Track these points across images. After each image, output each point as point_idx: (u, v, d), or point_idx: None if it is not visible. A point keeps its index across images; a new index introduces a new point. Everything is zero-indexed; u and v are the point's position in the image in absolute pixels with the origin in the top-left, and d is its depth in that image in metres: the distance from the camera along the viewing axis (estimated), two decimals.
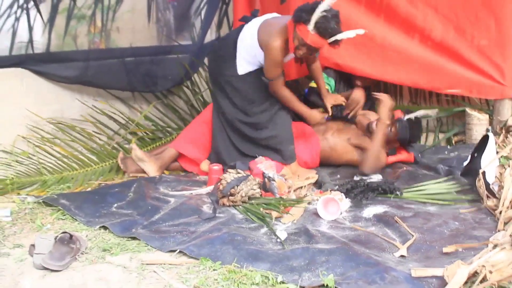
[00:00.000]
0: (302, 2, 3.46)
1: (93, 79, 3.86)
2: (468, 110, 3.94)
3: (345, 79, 4.27)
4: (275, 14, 3.61)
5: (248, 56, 3.53)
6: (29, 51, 3.63)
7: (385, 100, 3.68)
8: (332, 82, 4.22)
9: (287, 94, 3.59)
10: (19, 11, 3.58)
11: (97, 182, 3.69)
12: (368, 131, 3.79)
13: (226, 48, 3.61)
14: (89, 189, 3.58)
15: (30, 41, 3.61)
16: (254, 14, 3.71)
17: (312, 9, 3.16)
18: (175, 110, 4.59)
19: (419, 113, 3.70)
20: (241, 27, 3.62)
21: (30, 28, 3.59)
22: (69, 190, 3.53)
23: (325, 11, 3.14)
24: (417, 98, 4.38)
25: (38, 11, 3.59)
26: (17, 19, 3.58)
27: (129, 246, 2.73)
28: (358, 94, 3.89)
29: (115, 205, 3.24)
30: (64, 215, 3.11)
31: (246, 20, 3.65)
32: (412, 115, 3.69)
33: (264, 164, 3.23)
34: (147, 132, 4.37)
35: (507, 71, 3.78)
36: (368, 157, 3.59)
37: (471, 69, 3.87)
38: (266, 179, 3.19)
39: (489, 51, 3.81)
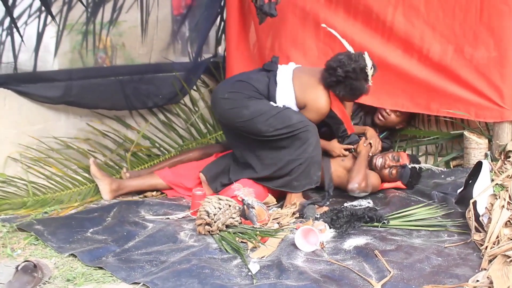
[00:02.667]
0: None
1: (76, 98, 3.80)
2: (466, 133, 3.75)
3: (366, 112, 4.16)
4: (293, 65, 3.61)
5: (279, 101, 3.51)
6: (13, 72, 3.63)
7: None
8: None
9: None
10: (4, 34, 3.59)
11: (80, 203, 3.61)
12: (369, 164, 3.73)
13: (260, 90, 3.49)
14: (74, 210, 3.51)
15: (15, 62, 3.60)
16: (275, 62, 3.61)
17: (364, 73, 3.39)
18: (174, 128, 4.51)
19: (424, 165, 3.73)
20: (267, 73, 3.55)
21: (14, 50, 3.59)
22: (52, 213, 3.45)
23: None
24: (415, 121, 4.20)
25: (21, 37, 3.57)
26: (2, 43, 3.59)
27: (94, 276, 2.64)
28: (373, 133, 3.86)
29: (91, 230, 3.15)
30: (37, 240, 3.03)
31: (270, 67, 3.57)
32: (416, 165, 3.67)
33: (243, 191, 3.10)
34: (143, 149, 4.29)
35: (506, 93, 3.58)
36: (355, 174, 3.56)
37: (469, 90, 3.70)
38: (245, 206, 3.07)
39: (487, 72, 3.62)
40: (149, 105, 4.32)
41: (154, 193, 3.78)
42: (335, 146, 3.75)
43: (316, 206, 3.39)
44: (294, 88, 3.45)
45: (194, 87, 4.62)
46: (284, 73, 3.50)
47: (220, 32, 4.82)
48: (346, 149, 3.75)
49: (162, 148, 4.37)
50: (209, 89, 4.73)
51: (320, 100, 3.43)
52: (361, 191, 3.51)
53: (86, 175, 3.79)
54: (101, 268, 2.69)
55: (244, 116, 3.39)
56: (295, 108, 3.47)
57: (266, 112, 3.38)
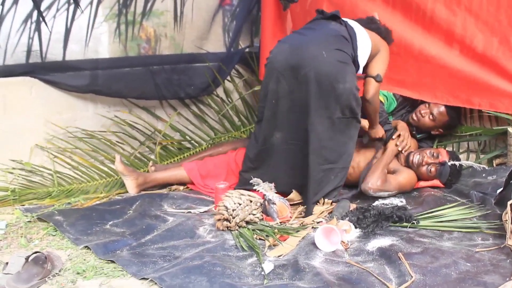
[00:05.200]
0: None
1: (103, 87, 3.78)
2: (510, 130, 3.49)
3: (408, 111, 3.99)
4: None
5: (361, 60, 3.29)
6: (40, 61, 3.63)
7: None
8: (393, 104, 3.92)
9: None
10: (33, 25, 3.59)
11: (105, 195, 3.57)
12: (406, 161, 3.56)
13: (346, 48, 3.17)
14: (97, 202, 3.47)
15: (40, 52, 3.59)
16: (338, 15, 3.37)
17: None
18: (205, 120, 4.43)
19: (464, 162, 3.51)
20: (337, 24, 3.27)
21: (41, 42, 3.59)
22: (76, 203, 3.43)
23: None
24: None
25: (49, 30, 3.59)
26: (31, 38, 3.58)
27: (105, 270, 2.57)
28: (404, 127, 3.68)
29: (110, 222, 3.10)
30: (56, 231, 3.01)
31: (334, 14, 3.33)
32: (456, 162, 3.44)
33: (263, 186, 2.97)
34: (173, 142, 4.22)
35: None
36: (370, 173, 3.39)
37: None
38: (266, 202, 2.94)
39: None
40: (181, 96, 4.25)
41: (181, 187, 3.69)
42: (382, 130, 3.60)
43: (349, 204, 3.23)
44: (369, 34, 3.31)
45: (228, 78, 4.52)
46: (350, 20, 3.34)
47: (259, 22, 4.68)
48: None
49: (193, 141, 4.28)
50: (243, 79, 4.62)
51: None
52: (375, 191, 3.33)
53: (113, 166, 3.71)
54: (113, 261, 2.63)
55: (347, 81, 3.06)
56: (366, 57, 3.29)
57: (357, 88, 3.17)
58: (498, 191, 3.07)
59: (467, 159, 3.82)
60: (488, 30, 3.50)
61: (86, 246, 2.78)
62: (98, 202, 3.46)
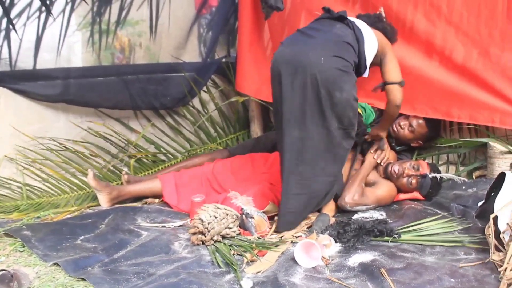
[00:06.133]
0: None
1: (76, 97, 3.68)
2: (490, 142, 3.46)
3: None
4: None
5: (368, 61, 3.14)
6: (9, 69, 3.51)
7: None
8: (371, 116, 3.87)
9: None
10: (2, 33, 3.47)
11: (76, 208, 3.44)
12: (385, 172, 3.50)
13: (348, 53, 2.99)
14: (68, 216, 3.34)
15: (10, 61, 3.49)
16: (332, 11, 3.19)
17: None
18: (180, 132, 4.33)
19: (445, 175, 3.46)
20: (342, 25, 3.08)
21: (10, 50, 3.48)
22: (46, 217, 3.30)
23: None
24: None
25: (19, 38, 3.51)
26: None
27: None
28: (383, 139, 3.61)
29: (82, 237, 2.98)
30: (24, 247, 2.87)
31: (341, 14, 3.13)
32: (437, 175, 3.38)
33: (241, 200, 2.88)
34: (148, 154, 4.11)
35: None
36: (346, 187, 3.32)
37: (495, 95, 3.42)
38: (243, 216, 2.85)
39: None
40: (156, 106, 4.16)
41: (156, 200, 3.58)
42: None
43: (329, 218, 3.15)
44: (376, 35, 3.18)
45: (204, 88, 4.43)
46: (358, 20, 3.19)
47: (235, 32, 4.62)
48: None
49: (168, 153, 4.18)
50: (220, 90, 4.53)
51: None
52: (352, 206, 3.26)
53: (85, 179, 3.59)
54: (84, 279, 2.51)
55: (344, 90, 2.87)
56: (372, 57, 3.15)
57: (356, 99, 2.97)
58: (479, 204, 3.05)
59: (447, 171, 3.78)
60: (468, 41, 3.48)
61: (55, 263, 2.66)
62: (68, 216, 3.34)
